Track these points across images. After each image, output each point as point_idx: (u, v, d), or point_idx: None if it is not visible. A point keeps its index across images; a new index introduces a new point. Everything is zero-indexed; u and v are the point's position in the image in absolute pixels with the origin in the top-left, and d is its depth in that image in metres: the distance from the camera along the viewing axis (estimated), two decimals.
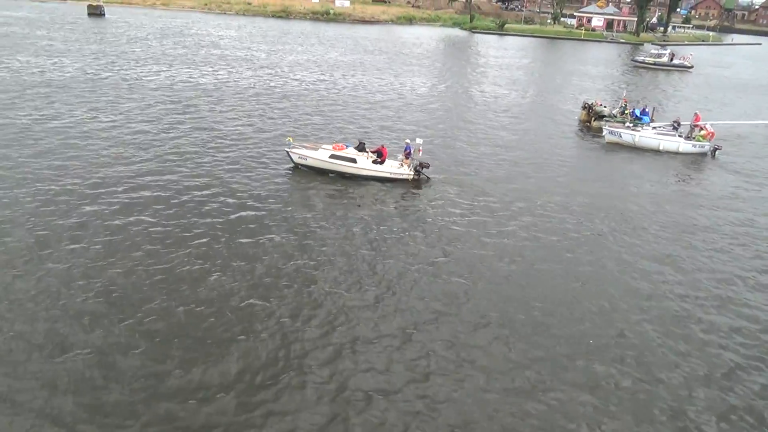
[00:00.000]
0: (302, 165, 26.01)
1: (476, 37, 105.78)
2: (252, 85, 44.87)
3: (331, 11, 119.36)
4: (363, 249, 19.07)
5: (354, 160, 25.25)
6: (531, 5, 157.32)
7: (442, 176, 26.58)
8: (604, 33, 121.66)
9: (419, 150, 25.49)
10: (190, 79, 45.23)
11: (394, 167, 25.66)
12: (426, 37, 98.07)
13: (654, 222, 23.36)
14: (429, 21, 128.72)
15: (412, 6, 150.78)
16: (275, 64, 56.34)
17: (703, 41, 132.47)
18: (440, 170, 27.20)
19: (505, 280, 17.81)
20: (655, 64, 76.50)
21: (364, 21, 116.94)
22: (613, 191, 26.73)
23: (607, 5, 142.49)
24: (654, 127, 35.33)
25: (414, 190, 24.95)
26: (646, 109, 37.98)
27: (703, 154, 33.64)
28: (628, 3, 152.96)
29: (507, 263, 18.84)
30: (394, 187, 25.01)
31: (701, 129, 34.30)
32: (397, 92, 46.48)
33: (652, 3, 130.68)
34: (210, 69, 50.59)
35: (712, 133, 34.03)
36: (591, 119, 37.80)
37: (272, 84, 46.01)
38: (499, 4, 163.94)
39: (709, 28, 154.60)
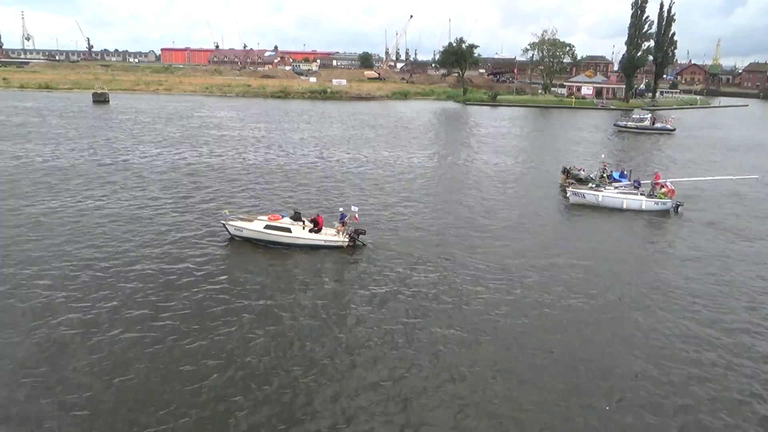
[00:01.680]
0: (238, 237, 26.37)
1: (470, 109, 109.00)
2: (250, 164, 46.11)
3: (329, 90, 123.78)
4: (296, 318, 19.15)
5: (289, 230, 25.72)
6: (521, 77, 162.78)
7: (392, 243, 26.88)
8: (594, 100, 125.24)
9: (355, 217, 26.08)
10: (179, 159, 46.56)
11: (330, 235, 26.09)
12: (421, 110, 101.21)
13: (621, 281, 23.49)
14: (423, 95, 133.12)
15: (407, 82, 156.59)
16: (273, 142, 58.02)
17: (691, 105, 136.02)
18: (400, 238, 27.71)
19: (448, 349, 17.74)
20: (637, 128, 77.72)
21: (360, 98, 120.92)
22: (574, 251, 26.81)
23: (596, 75, 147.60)
24: (616, 187, 36.01)
25: (350, 257, 25.16)
26: (624, 172, 38.79)
27: (666, 211, 34.11)
28: (616, 71, 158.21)
29: (444, 328, 18.83)
30: (329, 255, 25.25)
31: (662, 187, 34.96)
32: (392, 164, 47.60)
33: (639, 71, 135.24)
34: (207, 149, 52.11)
35: (673, 191, 34.73)
36: (571, 182, 38.24)
37: (273, 161, 47.35)
38: (491, 77, 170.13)
39: (696, 92, 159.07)
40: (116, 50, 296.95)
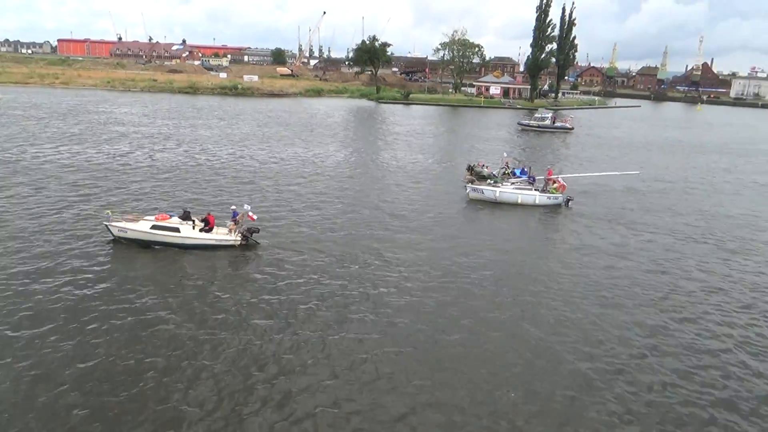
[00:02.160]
0: (123, 238, 25.18)
1: (383, 107, 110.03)
2: (155, 162, 44.16)
3: (240, 86, 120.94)
4: (183, 319, 18.52)
5: (177, 230, 24.92)
6: (433, 76, 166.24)
7: (290, 241, 26.57)
8: (502, 100, 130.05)
9: (249, 216, 25.72)
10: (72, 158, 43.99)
11: (221, 234, 25.65)
12: (335, 108, 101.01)
13: (515, 273, 24.46)
14: (337, 93, 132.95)
15: (320, 79, 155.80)
16: (183, 139, 55.91)
17: (590, 105, 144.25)
18: (300, 236, 27.44)
19: (343, 344, 18.00)
20: (539, 126, 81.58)
21: (273, 95, 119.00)
22: (473, 245, 27.57)
23: (503, 75, 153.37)
24: (512, 183, 37.70)
25: (242, 256, 24.75)
26: (525, 168, 40.44)
27: (558, 205, 36.18)
28: (522, 72, 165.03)
29: (336, 327, 18.97)
30: (221, 255, 24.74)
31: (554, 182, 37.01)
32: (304, 162, 47.18)
33: (542, 72, 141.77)
34: (109, 147, 49.49)
35: (564, 186, 36.81)
36: (473, 179, 39.34)
37: (179, 159, 45.50)
38: (403, 75, 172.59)
39: (594, 94, 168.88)
40: (6, 40, 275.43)
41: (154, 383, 15.08)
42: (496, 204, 35.80)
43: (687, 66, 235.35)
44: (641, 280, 24.04)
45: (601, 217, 34.29)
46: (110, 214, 25.74)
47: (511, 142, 68.17)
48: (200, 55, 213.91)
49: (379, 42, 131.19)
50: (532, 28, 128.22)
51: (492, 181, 37.76)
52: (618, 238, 30.03)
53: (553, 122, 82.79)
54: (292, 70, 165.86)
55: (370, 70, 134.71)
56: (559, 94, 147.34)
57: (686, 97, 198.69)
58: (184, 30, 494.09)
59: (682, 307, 21.50)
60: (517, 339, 18.37)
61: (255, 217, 26.05)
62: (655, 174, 50.04)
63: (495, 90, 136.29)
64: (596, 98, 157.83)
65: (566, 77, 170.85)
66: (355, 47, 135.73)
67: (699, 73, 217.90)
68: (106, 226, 25.31)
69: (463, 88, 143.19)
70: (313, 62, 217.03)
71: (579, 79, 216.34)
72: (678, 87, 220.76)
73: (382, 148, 58.09)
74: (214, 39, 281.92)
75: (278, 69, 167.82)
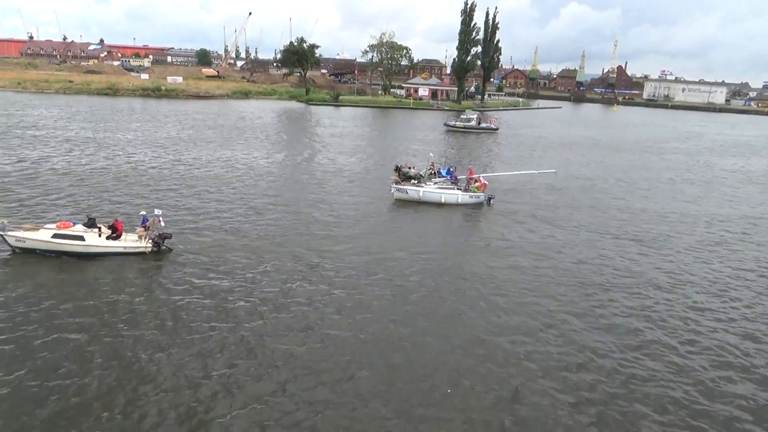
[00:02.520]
0: (21, 248, 23.65)
1: (313, 109, 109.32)
2: (70, 166, 41.92)
3: (163, 87, 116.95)
4: (89, 331, 17.65)
5: (81, 238, 23.70)
6: (362, 78, 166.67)
7: (208, 246, 25.87)
8: (431, 101, 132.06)
9: (160, 221, 24.85)
10: None
11: (131, 241, 24.65)
12: (264, 110, 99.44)
13: (439, 271, 24.98)
14: (265, 95, 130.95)
15: (248, 81, 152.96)
16: (102, 143, 53.36)
17: (515, 106, 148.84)
18: (220, 241, 26.77)
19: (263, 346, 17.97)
20: (465, 127, 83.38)
21: (198, 96, 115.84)
22: (398, 243, 28.05)
23: (431, 77, 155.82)
24: (435, 183, 38.51)
25: (153, 264, 23.79)
26: (450, 168, 41.14)
27: (480, 204, 37.26)
28: (449, 74, 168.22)
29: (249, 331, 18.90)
30: (130, 263, 23.65)
31: (475, 181, 38.14)
32: (232, 165, 46.16)
33: (469, 74, 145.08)
34: (19, 152, 46.59)
35: (485, 184, 38.02)
36: (401, 180, 39.52)
37: (98, 163, 43.35)
38: (333, 77, 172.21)
39: (518, 95, 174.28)
40: None
41: (60, 406, 14.19)
42: (420, 204, 36.39)
43: (603, 69, 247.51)
44: (564, 274, 25.05)
45: (522, 214, 35.45)
46: (6, 223, 23.97)
47: (438, 143, 69.34)
48: (120, 55, 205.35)
49: (308, 43, 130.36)
50: (458, 31, 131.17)
51: (416, 182, 38.28)
52: (538, 234, 31.24)
53: (479, 123, 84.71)
54: (218, 72, 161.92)
55: (299, 72, 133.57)
56: (486, 96, 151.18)
57: (603, 99, 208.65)
58: (101, 29, 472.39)
59: (604, 298, 22.55)
60: (448, 337, 18.67)
61: (163, 223, 25.04)
62: (575, 172, 52.33)
63: (423, 92, 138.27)
64: (520, 100, 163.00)
65: (492, 79, 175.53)
66: (283, 49, 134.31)
67: (614, 75, 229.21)
68: (2, 236, 23.56)
69: (392, 90, 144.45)
70: (240, 63, 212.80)
71: (504, 81, 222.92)
72: (596, 89, 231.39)
73: (313, 150, 57.70)
74: (134, 39, 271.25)
75: (204, 70, 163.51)
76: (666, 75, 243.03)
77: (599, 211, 37.49)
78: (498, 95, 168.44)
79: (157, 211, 25.21)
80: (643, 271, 26.05)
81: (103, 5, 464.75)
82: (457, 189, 37.64)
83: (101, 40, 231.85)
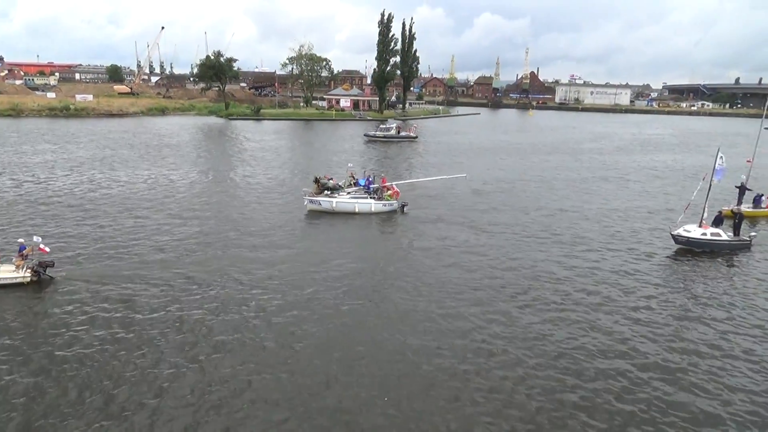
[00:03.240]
0: None
1: (234, 124, 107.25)
2: None
3: (72, 106, 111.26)
4: None
5: None
6: (283, 90, 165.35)
7: (103, 273, 24.31)
8: (353, 112, 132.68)
9: (41, 248, 23.20)
10: None
11: (6, 271, 22.77)
12: (183, 126, 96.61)
13: (356, 279, 24.92)
14: (183, 110, 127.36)
15: (163, 97, 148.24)
16: (5, 167, 50.04)
17: (435, 114, 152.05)
18: (118, 266, 25.31)
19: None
20: (385, 137, 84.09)
21: (111, 115, 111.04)
22: (309, 257, 27.41)
23: (352, 88, 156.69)
24: (348, 192, 38.60)
25: (33, 295, 21.95)
26: (369, 178, 40.92)
27: (394, 211, 37.37)
28: (370, 85, 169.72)
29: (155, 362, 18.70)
30: (5, 295, 21.72)
31: (388, 189, 38.35)
32: (148, 184, 44.36)
33: (389, 84, 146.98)
34: None
35: (398, 192, 38.32)
36: (320, 191, 39.06)
37: None
38: (253, 90, 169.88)
39: (438, 103, 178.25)
40: None
41: None
42: (334, 214, 36.34)
43: (517, 75, 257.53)
44: (483, 276, 25.54)
45: (435, 219, 35.88)
46: None
47: (359, 154, 69.59)
48: (22, 73, 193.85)
49: (225, 57, 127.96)
50: (376, 42, 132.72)
51: (330, 192, 38.08)
52: (451, 238, 31.51)
53: (398, 132, 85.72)
54: (131, 88, 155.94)
55: (218, 86, 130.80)
56: (407, 105, 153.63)
57: (519, 104, 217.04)
58: (1, 47, 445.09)
59: (526, 298, 23.19)
60: (375, 344, 18.68)
61: (48, 249, 23.51)
62: (494, 175, 53.95)
63: (345, 102, 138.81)
64: (440, 107, 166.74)
65: (411, 88, 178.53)
66: (199, 63, 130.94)
67: (528, 81, 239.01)
68: None
69: (314, 102, 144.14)
70: (154, 79, 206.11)
71: (424, 90, 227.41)
72: (511, 95, 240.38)
73: (234, 165, 56.54)
74: (38, 56, 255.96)
75: (115, 87, 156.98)
76: (575, 79, 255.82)
77: (517, 212, 38.65)
78: (419, 103, 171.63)
79: (36, 238, 23.43)
80: (562, 270, 26.98)
81: (1, 21, 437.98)
82: (371, 198, 37.71)
83: (0, 58, 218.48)
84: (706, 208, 30.89)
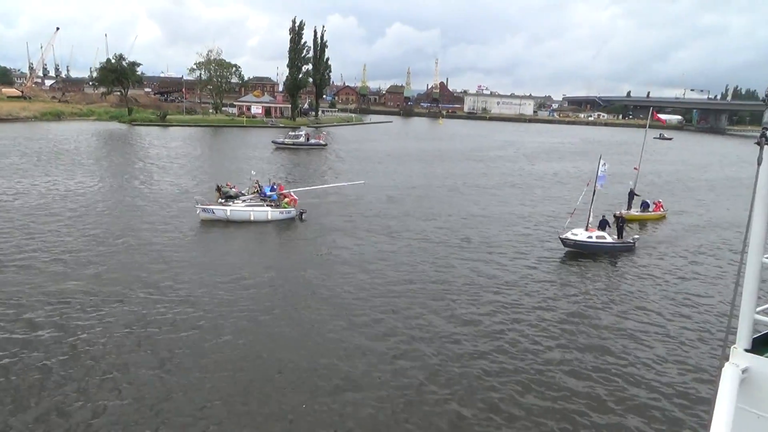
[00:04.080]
0: None
1: (138, 130, 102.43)
2: None
3: None
4: None
5: None
6: (191, 96, 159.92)
7: None
8: (265, 119, 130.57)
9: None
10: None
11: None
12: (81, 132, 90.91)
13: (251, 289, 24.53)
14: (82, 116, 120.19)
15: (59, 101, 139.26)
16: None
17: (348, 122, 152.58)
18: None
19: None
20: (294, 144, 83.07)
21: (0, 119, 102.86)
22: (203, 268, 26.30)
23: (264, 95, 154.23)
24: (244, 200, 37.36)
25: None
26: (274, 186, 39.80)
27: (292, 219, 36.78)
28: (281, 92, 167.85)
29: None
30: None
31: (285, 197, 37.70)
32: (42, 194, 41.29)
33: (301, 91, 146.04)
34: None
35: (295, 200, 37.79)
36: (222, 199, 37.65)
37: None
38: (158, 96, 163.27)
39: (351, 111, 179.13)
40: None
41: None
42: (229, 223, 35.05)
43: (428, 85, 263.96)
44: (381, 283, 25.69)
45: (343, 227, 35.59)
46: None
47: (266, 161, 68.38)
48: None
49: (128, 61, 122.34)
50: (288, 49, 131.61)
51: (224, 200, 36.79)
52: (352, 245, 31.31)
53: (307, 140, 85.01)
54: (22, 92, 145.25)
55: (119, 91, 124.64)
56: (320, 112, 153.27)
57: (430, 113, 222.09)
58: None
59: (429, 300, 23.56)
60: (289, 355, 18.31)
61: None
62: (405, 182, 54.72)
63: (257, 109, 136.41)
64: (353, 115, 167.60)
65: (324, 96, 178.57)
66: (99, 66, 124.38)
67: (438, 91, 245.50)
68: None
69: (224, 108, 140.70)
70: (48, 82, 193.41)
71: (336, 98, 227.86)
72: (422, 104, 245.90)
73: (135, 173, 53.79)
74: None
75: (4, 90, 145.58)
76: (483, 90, 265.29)
77: (426, 218, 39.20)
78: (331, 111, 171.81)
79: None
80: (469, 273, 27.62)
81: None
82: (267, 206, 36.75)
83: None
84: (591, 213, 32.49)
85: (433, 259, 29.62)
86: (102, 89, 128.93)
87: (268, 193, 38.26)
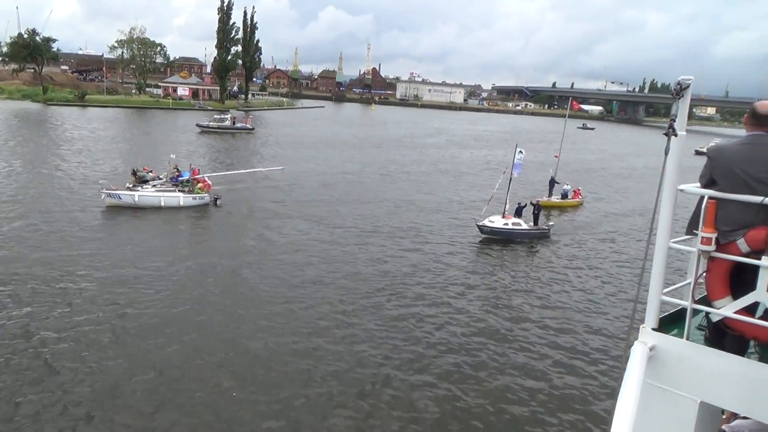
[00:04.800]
0: None
1: (54, 110, 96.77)
2: None
3: None
4: None
5: None
6: (112, 75, 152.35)
7: None
8: (192, 101, 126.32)
9: None
10: None
11: None
12: None
13: (164, 278, 23.48)
14: None
15: None
16: None
17: (279, 106, 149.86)
18: None
19: None
20: (219, 128, 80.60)
21: None
22: (115, 256, 25.15)
23: (191, 76, 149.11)
24: (154, 185, 35.89)
25: None
26: (194, 170, 38.41)
27: (206, 205, 35.70)
28: (209, 73, 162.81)
29: None
30: None
31: (199, 182, 36.37)
32: None
33: (231, 73, 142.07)
34: None
35: (209, 185, 36.66)
36: (139, 184, 36.10)
37: None
38: (76, 74, 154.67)
39: (282, 95, 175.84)
40: None
41: None
42: (136, 209, 33.27)
43: (360, 70, 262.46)
44: (299, 268, 25.66)
45: (255, 214, 34.89)
46: None
47: (190, 145, 66.23)
48: None
49: (41, 36, 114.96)
50: (216, 29, 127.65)
51: (134, 185, 35.28)
52: (267, 233, 30.96)
53: (233, 123, 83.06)
54: None
55: (33, 68, 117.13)
56: (249, 96, 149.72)
57: (362, 98, 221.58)
58: None
59: (352, 287, 23.76)
60: (221, 348, 18.06)
61: None
62: (335, 168, 54.60)
63: (183, 91, 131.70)
64: (284, 99, 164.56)
65: (254, 79, 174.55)
66: (9, 41, 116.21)
67: (370, 77, 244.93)
68: None
69: (148, 89, 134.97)
70: None
71: (267, 81, 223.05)
72: (354, 89, 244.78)
73: (48, 157, 50.65)
74: None
75: None
76: (415, 77, 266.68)
77: (353, 204, 39.16)
78: (262, 95, 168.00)
79: None
80: (383, 261, 27.81)
81: None
82: (179, 191, 35.43)
83: None
84: (508, 200, 33.40)
85: (352, 246, 29.52)
86: (13, 66, 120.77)
87: (187, 177, 36.75)
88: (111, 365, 16.11)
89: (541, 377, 17.30)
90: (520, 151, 33.91)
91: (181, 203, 34.72)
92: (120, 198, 33.39)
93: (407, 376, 16.75)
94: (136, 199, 33.60)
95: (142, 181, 36.02)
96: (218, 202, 35.88)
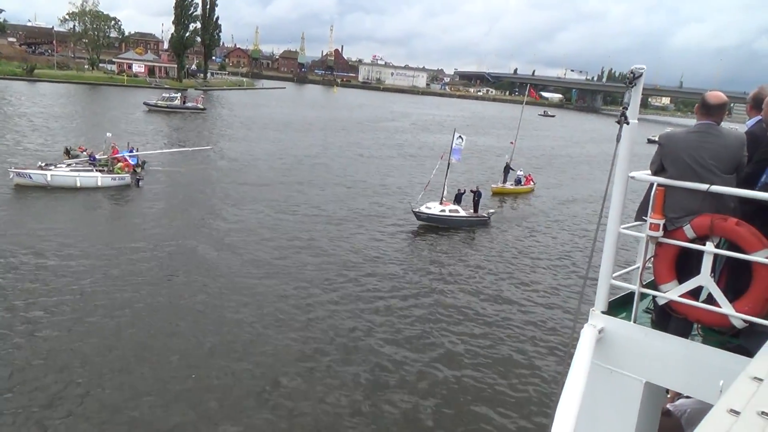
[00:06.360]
0: None
1: None
2: None
3: None
4: None
5: None
6: (63, 49, 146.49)
7: None
8: (148, 79, 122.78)
9: None
10: None
11: None
12: None
13: (81, 267, 21.42)
14: None
15: None
16: None
17: (239, 86, 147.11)
18: None
19: None
20: (168, 107, 78.36)
21: None
22: (21, 241, 23.41)
23: (147, 52, 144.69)
24: (69, 164, 33.97)
25: None
26: (133, 149, 37.82)
27: (127, 185, 34.24)
28: (167, 50, 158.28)
29: None
30: None
31: (119, 161, 35.11)
32: None
33: (189, 51, 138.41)
34: None
35: (131, 165, 35.35)
36: (71, 163, 34.73)
37: None
38: (24, 47, 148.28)
39: (242, 75, 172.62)
40: None
41: None
42: (49, 190, 31.19)
43: (322, 52, 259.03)
44: (238, 253, 25.18)
45: (177, 195, 33.85)
46: None
47: (137, 123, 64.18)
48: None
49: None
50: (173, 4, 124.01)
51: (43, 164, 33.18)
52: (197, 214, 30.14)
53: (183, 102, 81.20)
54: None
55: None
56: (208, 75, 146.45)
57: (324, 80, 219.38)
58: None
59: (285, 273, 23.52)
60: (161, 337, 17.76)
61: None
62: (291, 151, 53.96)
63: (138, 68, 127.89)
64: (245, 79, 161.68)
65: (214, 57, 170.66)
66: None
67: (333, 58, 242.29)
68: None
69: (102, 65, 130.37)
70: None
71: (227, 60, 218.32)
72: (316, 71, 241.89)
73: None
74: None
75: None
76: (378, 60, 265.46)
77: (306, 188, 38.51)
78: (221, 74, 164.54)
79: None
80: (322, 247, 27.39)
81: None
82: (97, 171, 33.75)
83: None
84: (445, 187, 32.73)
85: (295, 232, 28.56)
86: None
87: (126, 155, 35.36)
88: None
89: (491, 365, 17.23)
90: (460, 137, 33.02)
91: (99, 183, 32.93)
92: (30, 177, 31.22)
93: (336, 367, 16.58)
94: (49, 178, 31.46)
95: (75, 159, 34.33)
96: (140, 183, 34.27)
